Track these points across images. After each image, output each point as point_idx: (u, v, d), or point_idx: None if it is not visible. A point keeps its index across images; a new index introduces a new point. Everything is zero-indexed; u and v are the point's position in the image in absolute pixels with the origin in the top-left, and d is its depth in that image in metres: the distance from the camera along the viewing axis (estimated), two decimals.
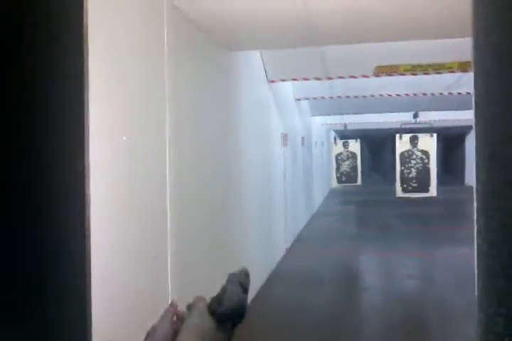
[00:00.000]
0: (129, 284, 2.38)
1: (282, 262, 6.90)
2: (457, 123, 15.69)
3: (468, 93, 8.23)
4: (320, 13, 3.27)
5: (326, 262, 7.01)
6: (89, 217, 1.80)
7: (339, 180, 18.33)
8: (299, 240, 8.60)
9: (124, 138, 2.39)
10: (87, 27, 1.70)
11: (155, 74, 2.77)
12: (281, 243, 7.39)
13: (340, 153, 18.22)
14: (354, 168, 18.13)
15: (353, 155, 18.05)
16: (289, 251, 7.58)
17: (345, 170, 18.25)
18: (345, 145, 18.13)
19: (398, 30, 3.95)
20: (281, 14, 3.17)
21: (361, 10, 3.29)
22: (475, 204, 0.66)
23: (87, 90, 1.76)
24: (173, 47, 2.92)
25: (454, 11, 3.27)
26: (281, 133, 7.33)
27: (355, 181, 18.27)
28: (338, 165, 18.15)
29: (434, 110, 10.85)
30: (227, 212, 4.28)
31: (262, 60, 5.75)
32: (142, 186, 2.56)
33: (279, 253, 7.16)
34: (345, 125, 12.62)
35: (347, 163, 18.08)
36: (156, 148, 2.76)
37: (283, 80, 6.30)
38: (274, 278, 6.10)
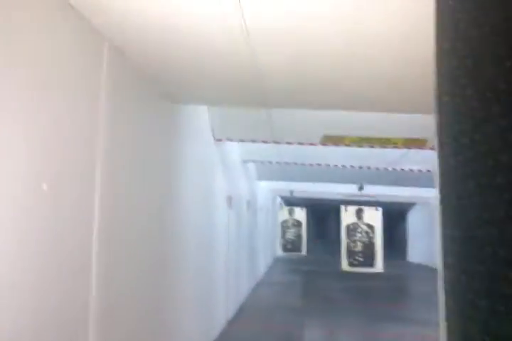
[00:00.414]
0: None
1: (222, 336, 6.40)
2: (400, 199, 16.10)
3: (411, 170, 8.45)
4: (270, 73, 3.22)
5: (269, 338, 6.60)
6: None
7: (284, 248, 18.08)
8: (241, 311, 8.14)
9: (45, 186, 2.12)
10: None
11: (87, 118, 2.56)
12: (222, 314, 6.92)
13: (286, 221, 18.11)
14: (299, 237, 17.98)
15: (299, 223, 17.97)
16: (230, 323, 7.10)
17: (290, 238, 18.07)
18: (291, 212, 18.08)
19: (348, 101, 3.97)
20: (229, 68, 3.09)
21: (311, 75, 3.28)
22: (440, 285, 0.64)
23: None
24: (110, 91, 2.74)
25: (408, 86, 3.32)
26: (227, 196, 7.14)
27: (300, 250, 18.06)
28: (284, 233, 17.97)
29: (378, 184, 11.04)
30: (161, 277, 3.93)
31: (209, 116, 5.67)
32: (62, 249, 2.26)
33: (219, 325, 6.66)
34: (291, 191, 12.64)
35: (292, 230, 17.95)
36: (82, 204, 2.49)
37: (230, 140, 6.22)
38: None
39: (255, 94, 3.67)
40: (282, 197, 18.30)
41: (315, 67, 3.09)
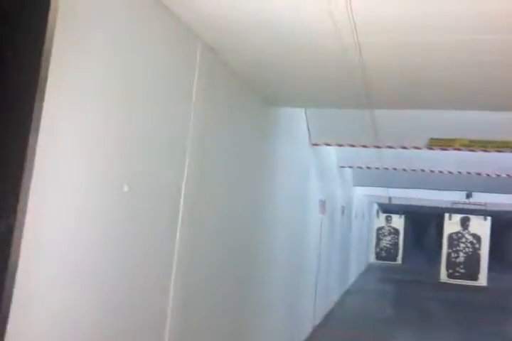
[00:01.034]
0: None
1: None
2: (511, 208, 14.75)
3: None
4: (375, 70, 2.89)
5: None
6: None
7: (378, 256, 17.32)
8: (328, 318, 7.82)
9: (126, 188, 1.99)
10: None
11: (178, 118, 2.41)
12: (309, 319, 6.67)
13: (382, 228, 17.32)
14: (395, 245, 17.13)
15: (396, 231, 17.11)
16: (316, 329, 6.83)
17: (385, 246, 17.27)
18: (388, 219, 17.26)
19: (464, 99, 3.52)
20: (329, 65, 2.80)
21: (422, 71, 2.90)
22: None
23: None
24: (202, 90, 2.57)
25: None
26: (320, 200, 6.83)
27: (395, 259, 17.21)
28: (379, 240, 17.20)
29: (488, 192, 10.12)
30: (249, 276, 3.75)
31: (307, 120, 5.40)
32: (143, 256, 2.12)
33: (306, 330, 6.43)
34: (389, 198, 12.00)
35: (388, 238, 17.14)
36: (166, 208, 2.34)
37: (327, 144, 5.90)
38: None
39: (357, 94, 3.34)
40: (379, 204, 17.54)
41: (426, 61, 2.72)
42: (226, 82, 3.01)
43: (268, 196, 4.15)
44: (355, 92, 3.27)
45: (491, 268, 11.89)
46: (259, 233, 3.97)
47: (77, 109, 1.69)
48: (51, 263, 1.63)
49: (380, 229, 17.22)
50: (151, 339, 2.28)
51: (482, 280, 9.93)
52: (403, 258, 17.59)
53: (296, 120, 5.15)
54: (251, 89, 3.44)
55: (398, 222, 17.13)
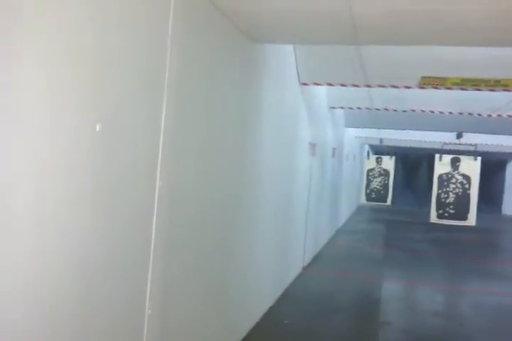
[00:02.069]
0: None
1: (296, 282, 6.34)
2: (501, 149, 14.82)
3: None
4: (363, 3, 2.74)
5: (344, 287, 6.41)
6: None
7: (368, 198, 17.54)
8: (318, 258, 8.03)
9: (98, 127, 1.90)
10: None
11: (152, 49, 2.28)
12: (299, 260, 6.84)
13: (372, 169, 17.43)
14: (385, 186, 17.31)
15: (386, 172, 17.25)
16: (305, 269, 7.02)
17: (376, 188, 17.45)
18: (379, 161, 17.34)
19: (452, 33, 3.37)
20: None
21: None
22: None
23: None
24: (180, 24, 2.43)
25: None
26: (310, 143, 6.78)
27: (385, 201, 17.45)
28: (369, 182, 17.36)
29: (480, 132, 10.10)
30: (237, 220, 3.78)
31: (296, 58, 5.22)
32: (123, 194, 2.07)
33: (295, 271, 6.61)
34: (380, 140, 11.97)
35: (378, 179, 17.29)
36: (144, 149, 2.26)
37: (317, 84, 5.76)
38: (285, 299, 5.55)
39: (345, 29, 3.19)
40: (371, 146, 17.50)
41: None
42: (207, 16, 2.85)
43: (255, 139, 4.09)
44: (342, 26, 3.12)
45: (479, 208, 12.12)
46: (246, 177, 3.95)
47: (42, 39, 1.57)
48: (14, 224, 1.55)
49: (370, 170, 17.35)
50: (134, 291, 2.30)
51: (471, 220, 10.13)
52: (393, 200, 17.85)
53: (285, 59, 4.98)
54: (235, 25, 3.27)
55: (389, 163, 17.23)
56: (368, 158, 17.44)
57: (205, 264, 3.17)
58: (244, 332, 4.26)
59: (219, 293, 3.52)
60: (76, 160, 1.78)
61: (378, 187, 17.11)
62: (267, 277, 4.99)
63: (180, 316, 2.80)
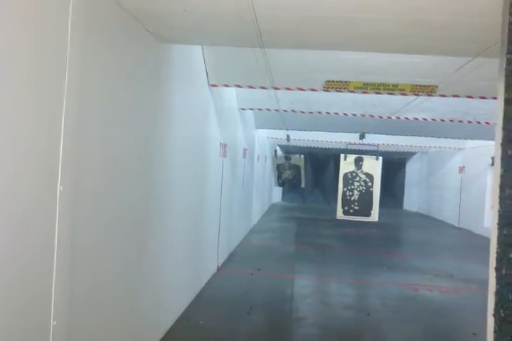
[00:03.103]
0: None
1: (211, 283, 6.36)
2: (400, 149, 15.83)
3: (416, 119, 8.09)
4: (266, 7, 2.80)
5: (258, 286, 6.51)
6: None
7: (278, 184, 18.06)
8: (232, 258, 8.09)
9: None
10: None
11: (51, 51, 2.19)
12: (213, 260, 6.85)
13: (282, 164, 18.00)
14: (298, 175, 17.94)
15: (296, 166, 17.92)
16: (220, 270, 7.05)
17: (288, 178, 18.01)
18: (287, 158, 17.91)
19: (354, 40, 3.55)
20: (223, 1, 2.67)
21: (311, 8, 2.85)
22: None
23: None
24: (81, 24, 2.35)
25: (429, 20, 2.90)
26: (221, 143, 6.82)
27: (300, 184, 18.06)
28: (280, 174, 17.88)
29: (380, 133, 10.71)
30: (147, 223, 3.70)
31: (204, 60, 5.23)
32: (16, 197, 1.96)
33: (209, 271, 6.62)
34: (287, 136, 12.33)
35: (289, 172, 17.87)
36: (42, 156, 2.16)
37: (226, 85, 5.81)
38: (200, 300, 5.54)
39: (248, 32, 3.24)
40: (281, 146, 17.95)
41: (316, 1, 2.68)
42: (112, 16, 2.77)
43: (164, 140, 4.03)
44: (246, 29, 3.17)
45: (383, 204, 12.86)
46: (156, 180, 3.89)
47: None
48: None
49: (280, 164, 17.88)
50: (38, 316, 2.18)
51: (374, 216, 10.70)
52: (303, 198, 18.45)
53: (194, 60, 4.97)
54: (142, 26, 3.22)
55: (298, 161, 17.88)
56: (276, 157, 17.89)
57: (113, 271, 3.08)
58: (158, 336, 4.19)
59: (129, 300, 3.44)
60: None
61: (290, 177, 17.69)
62: (180, 279, 4.94)
63: (87, 326, 2.70)
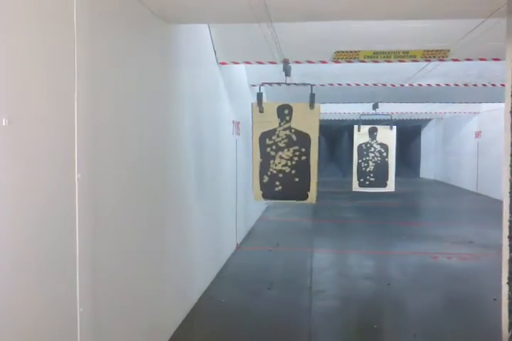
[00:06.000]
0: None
1: (231, 260, 6.45)
2: (414, 116, 15.63)
3: (429, 85, 7.95)
4: None
5: (277, 261, 6.59)
6: None
7: None
8: (250, 235, 8.17)
9: (4, 121, 1.81)
10: None
11: (59, 33, 2.19)
12: (232, 239, 6.93)
13: None
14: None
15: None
16: (239, 247, 7.15)
17: None
18: None
19: (358, 8, 3.48)
20: None
21: None
22: None
23: None
24: (86, 11, 2.34)
25: None
26: (234, 121, 6.81)
27: None
28: None
29: (393, 102, 10.57)
30: (167, 206, 3.75)
31: (211, 38, 5.18)
32: (37, 188, 2.00)
33: (229, 249, 6.71)
34: None
35: None
36: (58, 141, 2.19)
37: (235, 63, 5.75)
38: (221, 278, 5.63)
39: (255, 7, 3.20)
40: None
41: None
42: (114, 1, 2.75)
43: (176, 121, 4.04)
44: (253, 4, 3.13)
45: (399, 173, 12.80)
46: (171, 163, 3.91)
47: None
48: None
49: None
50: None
51: (390, 186, 10.64)
52: (318, 172, 18.40)
53: (201, 39, 4.92)
54: (147, 8, 3.19)
55: None
56: None
57: (136, 255, 3.15)
58: (182, 316, 4.29)
59: (153, 282, 3.51)
60: None
61: None
62: (201, 259, 5.03)
63: (113, 310, 2.77)
